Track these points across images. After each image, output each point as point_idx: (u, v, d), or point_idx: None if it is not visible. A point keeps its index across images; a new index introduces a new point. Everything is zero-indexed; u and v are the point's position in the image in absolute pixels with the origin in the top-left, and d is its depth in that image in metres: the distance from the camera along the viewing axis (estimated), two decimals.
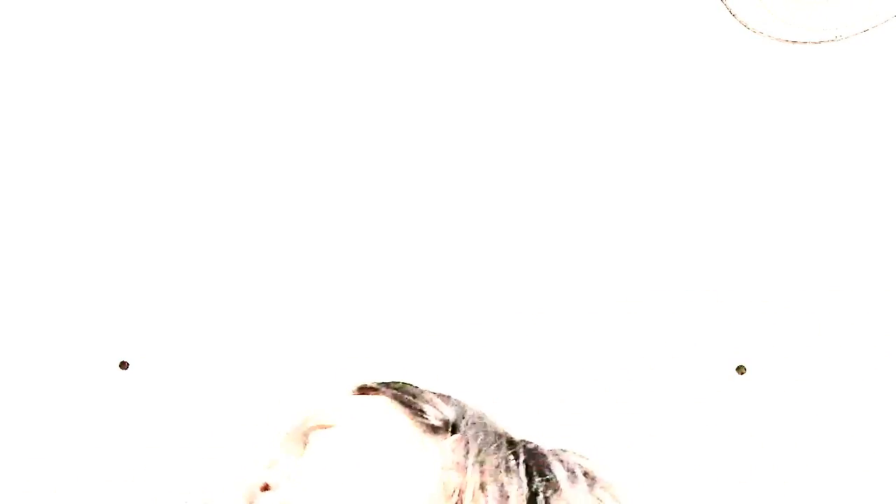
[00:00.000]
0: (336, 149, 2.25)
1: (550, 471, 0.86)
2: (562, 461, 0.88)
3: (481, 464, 0.85)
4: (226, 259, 2.36)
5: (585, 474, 0.87)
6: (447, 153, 2.26)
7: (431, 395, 0.92)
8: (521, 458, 0.87)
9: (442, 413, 0.90)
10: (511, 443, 0.89)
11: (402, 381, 0.95)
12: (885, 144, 2.22)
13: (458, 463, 0.84)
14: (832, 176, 2.27)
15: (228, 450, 2.43)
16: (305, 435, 0.90)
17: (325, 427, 0.88)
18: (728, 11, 1.82)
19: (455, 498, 0.82)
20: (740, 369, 2.38)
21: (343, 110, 2.19)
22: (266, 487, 0.86)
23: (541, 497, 0.84)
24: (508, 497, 0.82)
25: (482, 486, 0.82)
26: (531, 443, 0.90)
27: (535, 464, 0.87)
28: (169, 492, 2.42)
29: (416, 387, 0.93)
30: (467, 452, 0.86)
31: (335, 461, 0.85)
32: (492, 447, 0.87)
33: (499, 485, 0.83)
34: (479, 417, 0.91)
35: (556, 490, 0.84)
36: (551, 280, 2.43)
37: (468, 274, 2.41)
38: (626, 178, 2.28)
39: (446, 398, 0.92)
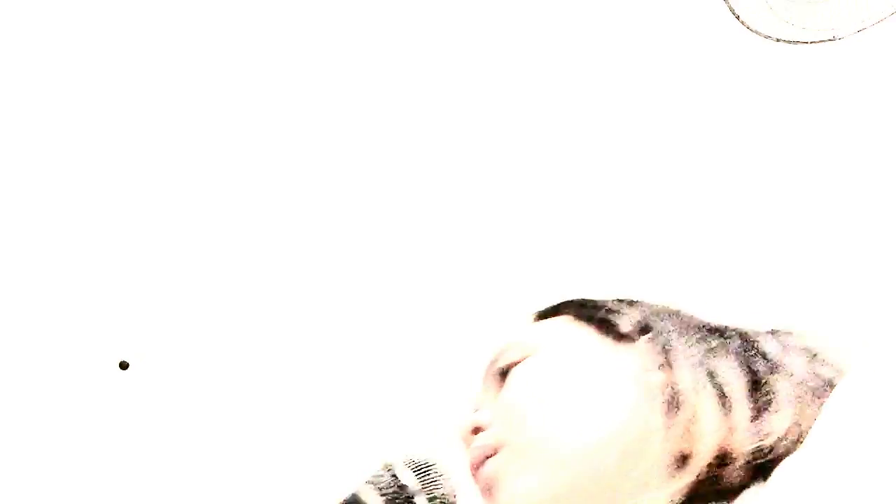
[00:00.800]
0: (336, 149, 2.25)
1: (765, 351, 0.84)
2: (777, 339, 0.86)
3: (686, 356, 0.84)
4: (226, 259, 2.36)
5: (803, 350, 0.85)
6: (448, 153, 2.27)
7: (614, 303, 0.92)
8: (733, 342, 0.86)
9: (628, 318, 0.89)
10: (716, 330, 0.88)
11: (579, 297, 0.95)
12: (883, 143, 2.22)
13: (657, 362, 0.84)
14: (831, 174, 2.27)
15: (229, 450, 2.43)
16: (502, 372, 0.90)
17: (518, 361, 0.89)
18: (731, 12, 1.83)
19: (664, 397, 0.81)
20: None
21: (343, 110, 2.19)
22: (477, 430, 0.87)
23: (761, 377, 0.82)
24: (726, 384, 0.81)
25: (693, 378, 0.82)
26: (738, 327, 0.88)
27: (749, 346, 0.85)
28: (169, 491, 2.42)
29: (595, 300, 0.93)
30: (666, 349, 0.85)
31: (535, 390, 0.86)
32: (694, 338, 0.86)
33: (712, 372, 0.82)
34: (674, 313, 0.90)
35: (775, 369, 0.82)
36: (551, 279, 2.43)
37: (468, 274, 2.41)
38: (625, 177, 2.29)
39: (630, 302, 0.92)
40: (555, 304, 0.95)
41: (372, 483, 0.73)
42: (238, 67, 2.12)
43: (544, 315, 0.95)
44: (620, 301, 0.93)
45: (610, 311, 0.91)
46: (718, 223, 2.33)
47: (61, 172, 2.23)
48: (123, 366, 2.44)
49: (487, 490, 0.83)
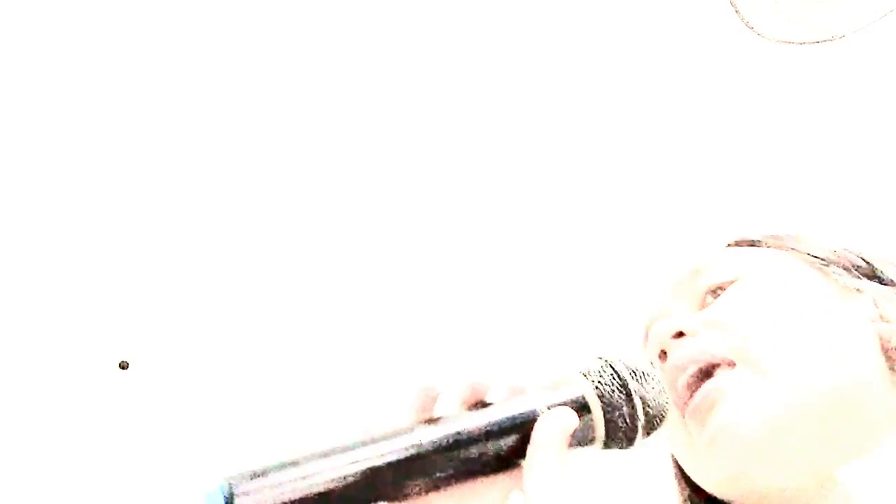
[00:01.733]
0: (336, 149, 2.25)
1: None
2: None
3: None
4: (225, 260, 2.36)
5: None
6: (450, 154, 2.27)
7: (833, 246, 0.87)
8: None
9: (851, 263, 0.85)
10: None
11: (788, 233, 0.90)
12: (886, 142, 2.22)
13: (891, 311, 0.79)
14: (839, 172, 2.27)
15: (229, 450, 2.43)
16: (704, 289, 0.85)
17: (732, 281, 0.83)
18: (735, 11, 1.83)
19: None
20: None
21: (343, 110, 2.20)
22: (680, 335, 0.81)
23: None
24: None
25: None
26: None
27: None
28: (169, 491, 2.42)
29: (806, 237, 0.88)
30: None
31: (759, 312, 0.80)
32: None
33: None
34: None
35: None
36: (551, 278, 2.43)
37: (466, 272, 2.41)
38: (630, 177, 2.29)
39: (849, 249, 0.87)
40: (753, 236, 0.90)
41: (589, 377, 0.69)
42: (237, 68, 2.12)
43: (742, 244, 0.90)
44: (843, 247, 0.88)
45: (831, 252, 0.86)
46: (724, 223, 2.34)
47: (61, 173, 2.23)
48: (123, 366, 2.44)
49: (705, 406, 0.77)
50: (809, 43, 1.84)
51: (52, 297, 2.36)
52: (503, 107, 2.18)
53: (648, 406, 0.68)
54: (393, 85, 2.16)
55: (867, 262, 0.86)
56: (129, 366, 2.44)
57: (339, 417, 2.45)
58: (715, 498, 0.82)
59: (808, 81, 2.14)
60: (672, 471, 0.86)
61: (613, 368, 0.68)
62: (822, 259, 0.85)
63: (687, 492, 0.85)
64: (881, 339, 0.79)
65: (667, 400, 0.69)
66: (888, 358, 0.78)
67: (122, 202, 2.28)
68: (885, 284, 0.84)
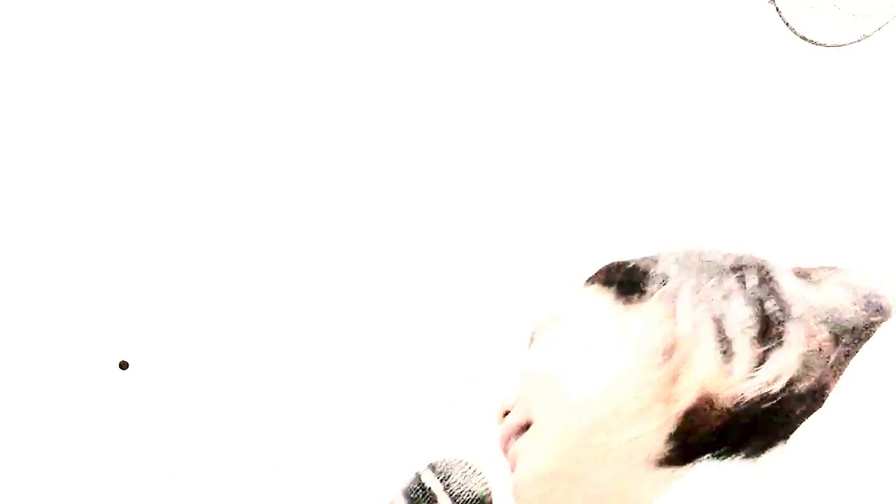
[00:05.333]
0: (336, 149, 2.25)
1: (783, 291, 0.79)
2: (802, 278, 0.82)
3: (692, 304, 0.80)
4: (226, 259, 2.36)
5: (844, 288, 0.79)
6: (455, 154, 2.26)
7: (640, 261, 0.87)
8: (750, 281, 0.81)
9: (650, 273, 0.85)
10: (736, 269, 0.83)
11: (612, 261, 0.90)
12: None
13: (665, 314, 0.81)
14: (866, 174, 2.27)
15: (230, 450, 2.43)
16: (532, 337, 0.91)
17: (549, 326, 0.88)
18: (776, 12, 1.83)
19: (662, 346, 0.78)
20: None
21: (343, 110, 2.19)
22: (507, 412, 0.86)
23: (774, 319, 0.77)
24: (730, 328, 0.76)
25: (693, 325, 0.78)
26: (761, 262, 0.83)
27: (766, 286, 0.80)
28: (169, 492, 2.41)
29: (624, 261, 0.89)
30: (674, 300, 0.81)
31: (548, 360, 0.84)
32: (708, 282, 0.82)
33: (717, 317, 0.78)
34: (695, 254, 0.86)
35: (789, 311, 0.78)
36: (551, 277, 2.43)
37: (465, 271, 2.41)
38: (646, 176, 2.29)
39: (655, 258, 0.87)
40: (594, 271, 0.92)
41: (402, 491, 0.75)
42: (237, 68, 2.12)
43: (586, 283, 0.92)
44: (645, 258, 0.88)
45: (633, 270, 0.87)
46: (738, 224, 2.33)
47: (61, 173, 2.23)
48: (123, 366, 2.43)
49: (511, 468, 0.82)
50: (843, 44, 1.84)
51: (52, 297, 2.36)
52: (507, 105, 2.17)
53: (459, 496, 0.74)
54: (393, 85, 2.16)
55: (647, 267, 0.86)
56: (129, 366, 2.43)
57: (339, 417, 2.44)
58: None
59: (845, 83, 2.13)
60: None
61: (420, 477, 0.74)
62: (622, 276, 0.86)
63: None
64: (649, 344, 0.80)
65: (479, 485, 0.75)
66: (662, 356, 0.78)
67: (122, 202, 2.27)
68: (675, 284, 0.83)
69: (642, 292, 0.84)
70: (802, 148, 2.26)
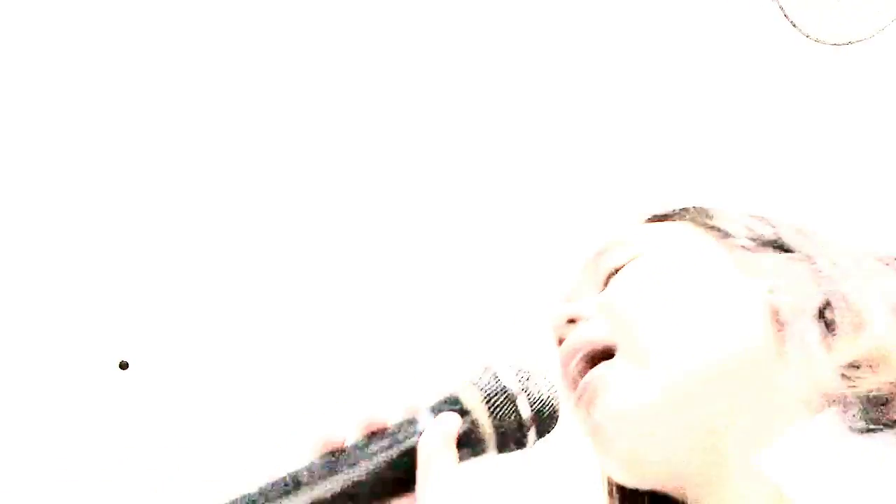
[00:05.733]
0: (336, 149, 2.25)
1: None
2: None
3: (848, 278, 0.76)
4: (226, 259, 2.36)
5: None
6: (460, 155, 2.26)
7: (740, 215, 0.84)
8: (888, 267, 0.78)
9: (754, 232, 0.82)
10: (880, 258, 0.80)
11: (698, 205, 0.86)
12: None
13: (803, 282, 0.77)
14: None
15: (230, 450, 2.43)
16: (605, 270, 0.83)
17: (628, 261, 0.81)
18: (781, 11, 1.82)
19: (807, 320, 0.74)
20: None
21: (342, 110, 2.19)
22: (573, 320, 0.80)
23: None
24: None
25: (854, 301, 0.74)
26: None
27: None
28: (169, 492, 2.41)
29: (716, 208, 0.85)
30: (818, 268, 0.78)
31: (649, 290, 0.78)
32: (853, 261, 0.78)
33: (885, 297, 0.74)
34: (811, 233, 0.82)
35: None
36: (550, 275, 2.42)
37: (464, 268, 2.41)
38: (634, 175, 2.29)
39: (759, 217, 0.84)
40: (664, 209, 0.87)
41: (473, 383, 0.68)
42: (237, 67, 2.12)
43: (653, 220, 0.87)
44: (748, 215, 0.84)
45: (733, 221, 0.83)
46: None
47: (61, 172, 2.22)
48: (123, 366, 2.43)
49: (587, 394, 0.76)
50: (850, 43, 1.83)
51: (51, 296, 2.36)
52: (517, 117, 2.17)
53: (535, 406, 0.67)
54: (392, 85, 2.16)
55: (770, 228, 0.83)
56: (129, 366, 2.43)
57: (339, 417, 2.44)
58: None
59: (850, 82, 2.13)
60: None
61: (496, 372, 0.67)
62: (724, 231, 0.82)
63: (609, 484, 0.84)
64: (772, 309, 0.76)
65: (555, 397, 0.68)
66: (779, 330, 0.75)
67: (122, 202, 2.27)
68: (784, 251, 0.80)
69: (747, 248, 0.80)
70: (805, 147, 2.25)
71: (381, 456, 0.64)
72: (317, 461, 0.65)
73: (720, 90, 2.18)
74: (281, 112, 2.18)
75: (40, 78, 2.10)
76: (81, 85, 2.11)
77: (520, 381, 0.67)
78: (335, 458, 0.64)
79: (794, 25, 1.89)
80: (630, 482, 0.78)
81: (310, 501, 0.63)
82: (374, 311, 2.43)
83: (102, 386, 2.43)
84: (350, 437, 0.65)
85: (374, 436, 0.66)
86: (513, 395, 0.66)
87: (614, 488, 0.84)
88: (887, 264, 0.80)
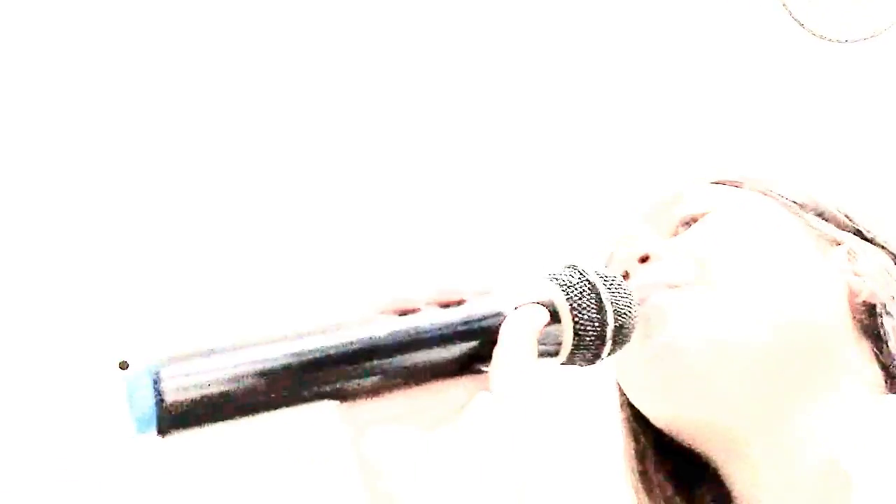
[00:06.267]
0: (336, 149, 2.24)
1: None
2: None
3: None
4: (226, 259, 2.36)
5: None
6: (465, 156, 2.26)
7: (810, 193, 0.84)
8: None
9: (830, 213, 0.82)
10: None
11: (768, 176, 0.86)
12: None
13: (884, 269, 0.78)
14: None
15: (230, 451, 2.43)
16: (678, 218, 0.81)
17: (704, 213, 0.80)
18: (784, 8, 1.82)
19: (889, 307, 0.75)
20: None
21: (343, 110, 2.19)
22: (646, 258, 0.78)
23: None
24: None
25: None
26: None
27: None
28: (169, 492, 2.41)
29: (788, 182, 0.86)
30: (894, 258, 0.79)
31: (729, 243, 0.77)
32: None
33: None
34: (880, 225, 0.83)
35: None
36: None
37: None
38: (634, 175, 2.29)
39: (830, 200, 0.84)
40: (734, 176, 0.86)
41: (559, 281, 0.63)
42: (237, 67, 2.12)
43: (723, 183, 0.86)
44: (832, 200, 0.85)
45: (810, 199, 0.83)
46: None
47: (61, 172, 2.22)
48: (123, 366, 2.43)
49: (657, 316, 0.73)
50: (858, 40, 1.82)
51: (52, 296, 2.36)
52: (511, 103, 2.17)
53: (619, 315, 0.63)
54: (393, 85, 2.16)
55: (848, 216, 0.83)
56: (129, 366, 2.43)
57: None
58: (655, 428, 0.78)
59: (858, 79, 2.12)
60: (617, 396, 0.82)
61: (583, 274, 0.63)
62: (801, 205, 0.82)
63: (630, 421, 0.81)
64: (850, 290, 0.77)
65: (637, 314, 0.64)
66: (854, 310, 0.76)
67: (122, 202, 2.27)
68: (863, 239, 0.81)
69: (853, 231, 0.81)
70: (811, 144, 2.25)
71: (456, 325, 0.59)
72: (383, 318, 0.59)
73: (725, 86, 2.18)
74: (281, 112, 2.19)
75: (40, 78, 2.10)
76: (81, 85, 2.11)
77: (609, 290, 0.63)
78: (405, 317, 0.59)
79: (800, 23, 1.88)
80: (665, 423, 0.76)
81: (367, 356, 0.58)
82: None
83: (102, 386, 2.43)
84: (422, 303, 0.61)
85: (447, 306, 0.61)
86: (602, 303, 0.62)
87: (643, 446, 0.81)
88: None
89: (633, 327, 0.65)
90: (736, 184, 0.85)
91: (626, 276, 0.78)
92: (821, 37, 1.91)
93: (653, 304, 0.74)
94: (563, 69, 2.16)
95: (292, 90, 2.15)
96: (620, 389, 0.82)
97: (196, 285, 2.39)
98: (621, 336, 0.64)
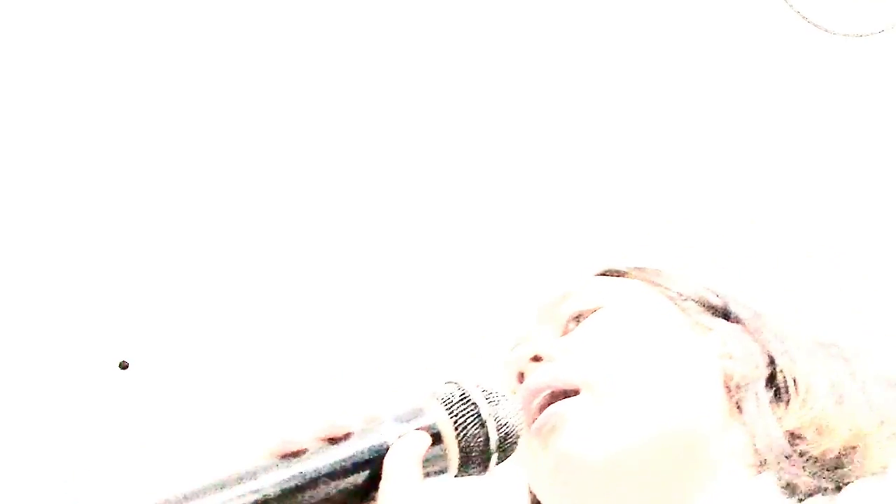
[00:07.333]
0: (336, 149, 2.25)
1: (858, 367, 0.82)
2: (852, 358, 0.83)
3: (791, 352, 0.82)
4: (226, 259, 2.36)
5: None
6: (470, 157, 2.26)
7: (691, 281, 0.89)
8: (840, 352, 0.83)
9: (705, 299, 0.87)
10: (816, 340, 0.85)
11: (651, 266, 0.92)
12: None
13: (751, 352, 0.82)
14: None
15: (230, 451, 2.43)
16: (567, 315, 0.87)
17: (593, 309, 0.85)
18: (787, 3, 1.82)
19: (756, 388, 0.79)
20: None
21: (343, 110, 2.19)
22: (537, 358, 0.83)
23: (841, 383, 0.79)
24: (844, 390, 0.79)
25: (798, 375, 0.79)
26: (839, 346, 0.85)
27: (847, 360, 0.83)
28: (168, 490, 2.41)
29: (668, 272, 0.90)
30: (764, 341, 0.83)
31: (613, 343, 0.83)
32: (794, 339, 0.84)
33: (825, 374, 0.80)
34: (758, 312, 0.87)
35: (858, 380, 0.80)
36: (549, 276, 2.43)
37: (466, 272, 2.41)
38: (634, 175, 2.29)
39: (708, 286, 0.89)
40: (619, 267, 0.92)
41: (442, 399, 0.66)
42: (237, 67, 2.12)
43: (608, 274, 0.92)
44: (702, 284, 0.89)
45: (687, 287, 0.88)
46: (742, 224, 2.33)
47: (61, 172, 2.23)
48: (123, 366, 2.43)
49: (546, 429, 0.79)
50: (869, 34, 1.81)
51: (52, 296, 2.36)
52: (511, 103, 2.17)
53: (502, 429, 0.65)
54: (392, 85, 2.16)
55: (720, 299, 0.88)
56: (129, 366, 2.43)
57: (339, 414, 2.43)
58: None
59: (865, 74, 2.12)
60: (528, 499, 0.87)
61: (465, 391, 0.66)
62: (680, 294, 0.87)
63: None
64: (725, 375, 0.81)
65: (521, 423, 0.67)
66: (730, 395, 0.81)
67: (122, 203, 2.27)
68: (733, 322, 0.86)
69: (699, 314, 0.85)
70: (816, 141, 2.25)
71: (340, 463, 0.62)
72: (272, 462, 0.62)
73: (730, 82, 2.17)
74: (281, 112, 2.19)
75: (40, 78, 2.10)
76: (81, 85, 2.11)
77: (490, 403, 0.66)
78: (292, 461, 0.62)
79: (804, 17, 1.88)
80: None
81: (260, 500, 0.60)
82: (374, 311, 2.44)
83: (102, 386, 2.43)
84: (309, 442, 0.64)
85: (334, 441, 0.64)
86: (483, 418, 0.65)
87: None
88: (826, 347, 0.85)
89: (518, 437, 0.67)
90: (621, 274, 0.91)
91: (521, 376, 0.83)
92: (825, 30, 1.90)
93: (548, 414, 0.79)
94: (563, 69, 2.17)
95: (292, 90, 2.15)
96: (530, 491, 0.87)
97: (196, 285, 2.39)
98: (506, 446, 0.66)
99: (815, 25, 1.92)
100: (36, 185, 2.24)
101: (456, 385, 0.67)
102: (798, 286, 2.34)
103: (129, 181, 2.25)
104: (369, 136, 2.23)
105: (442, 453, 0.65)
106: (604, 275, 0.92)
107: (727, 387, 0.81)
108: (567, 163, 2.28)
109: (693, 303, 0.87)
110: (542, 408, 0.80)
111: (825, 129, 2.22)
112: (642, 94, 2.20)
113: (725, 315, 0.87)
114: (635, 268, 0.91)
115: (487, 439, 0.65)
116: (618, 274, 0.91)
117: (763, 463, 0.77)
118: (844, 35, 1.95)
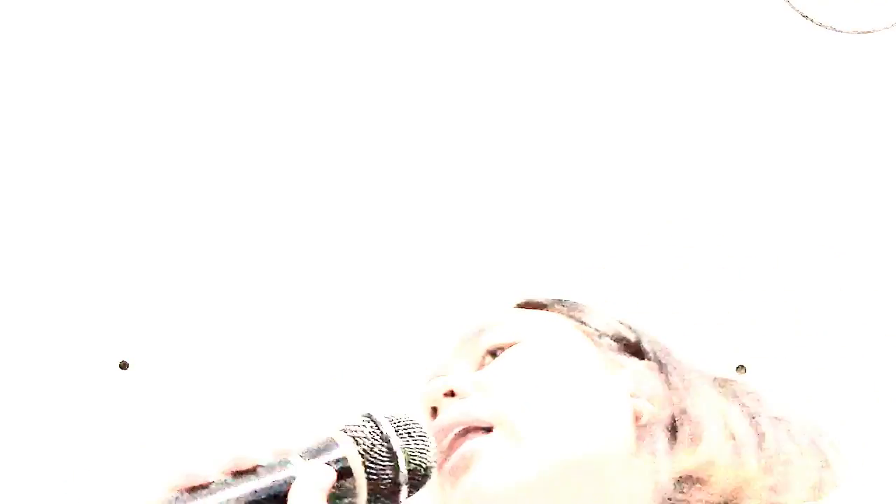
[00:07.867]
0: (336, 149, 2.24)
1: (769, 408, 0.84)
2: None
3: (692, 394, 0.83)
4: (226, 259, 2.36)
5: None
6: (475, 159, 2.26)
7: (607, 316, 0.90)
8: (737, 395, 0.85)
9: (619, 335, 0.88)
10: (718, 379, 0.87)
11: (569, 299, 0.93)
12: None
13: (658, 392, 0.84)
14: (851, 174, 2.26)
15: (228, 450, 2.42)
16: (483, 349, 0.88)
17: (510, 344, 0.87)
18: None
19: (660, 428, 0.81)
20: (740, 369, 2.38)
21: (343, 110, 2.19)
22: (451, 393, 0.84)
23: (764, 432, 0.81)
24: (736, 434, 0.81)
25: (695, 418, 0.81)
26: (743, 385, 0.88)
27: (754, 401, 0.85)
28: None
29: (587, 305, 0.92)
30: (670, 381, 0.85)
31: (526, 379, 0.84)
32: (696, 380, 0.85)
33: (720, 418, 0.81)
34: (664, 346, 0.89)
35: (780, 427, 0.82)
36: (550, 280, 2.43)
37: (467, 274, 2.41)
38: (634, 174, 2.29)
39: (623, 321, 0.91)
40: (540, 298, 0.93)
41: (350, 432, 0.66)
42: (237, 67, 2.12)
43: (528, 306, 0.93)
44: (615, 319, 0.91)
45: (603, 322, 0.90)
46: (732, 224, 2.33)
47: (61, 172, 2.23)
48: (123, 366, 2.43)
49: (459, 464, 0.80)
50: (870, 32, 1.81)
51: (52, 296, 2.36)
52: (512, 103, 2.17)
53: (412, 462, 0.65)
54: (392, 85, 2.16)
55: (634, 335, 0.89)
56: (129, 366, 2.43)
57: (339, 416, 2.43)
58: None
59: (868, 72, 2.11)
60: None
61: (376, 423, 0.66)
62: (596, 330, 0.88)
63: None
64: (635, 413, 0.83)
65: (433, 455, 0.67)
66: (639, 433, 0.82)
67: (122, 202, 2.27)
68: (645, 359, 0.87)
69: (614, 349, 0.87)
70: (816, 139, 2.24)
71: (246, 498, 0.62)
72: (173, 496, 0.62)
73: (732, 81, 2.17)
74: (281, 112, 2.19)
75: (40, 78, 2.10)
76: (81, 85, 2.11)
77: (399, 436, 0.66)
78: (195, 495, 0.61)
79: (806, 16, 1.87)
80: None
81: None
82: (374, 311, 2.43)
83: (102, 386, 2.43)
84: (213, 475, 0.64)
85: (239, 475, 0.64)
86: (393, 451, 0.65)
87: None
88: (722, 386, 0.87)
89: (429, 468, 0.67)
90: (541, 307, 0.92)
91: (434, 411, 0.84)
92: (828, 27, 1.89)
93: (460, 454, 0.80)
94: (562, 69, 2.16)
95: (292, 90, 2.15)
96: None
97: (195, 285, 2.39)
98: (416, 480, 0.66)
99: (819, 24, 1.91)
100: (36, 186, 2.24)
101: (368, 417, 0.67)
102: (798, 286, 2.34)
103: (128, 181, 2.25)
104: (369, 139, 2.23)
105: (352, 486, 0.64)
106: (524, 306, 0.93)
107: (637, 424, 0.83)
108: (567, 163, 2.28)
109: (609, 339, 0.88)
110: (454, 444, 0.81)
111: (830, 128, 2.22)
112: (643, 93, 2.20)
113: (638, 352, 0.88)
114: (555, 300, 0.93)
115: (397, 471, 0.65)
116: (537, 306, 0.92)
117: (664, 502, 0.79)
118: (849, 32, 1.95)
